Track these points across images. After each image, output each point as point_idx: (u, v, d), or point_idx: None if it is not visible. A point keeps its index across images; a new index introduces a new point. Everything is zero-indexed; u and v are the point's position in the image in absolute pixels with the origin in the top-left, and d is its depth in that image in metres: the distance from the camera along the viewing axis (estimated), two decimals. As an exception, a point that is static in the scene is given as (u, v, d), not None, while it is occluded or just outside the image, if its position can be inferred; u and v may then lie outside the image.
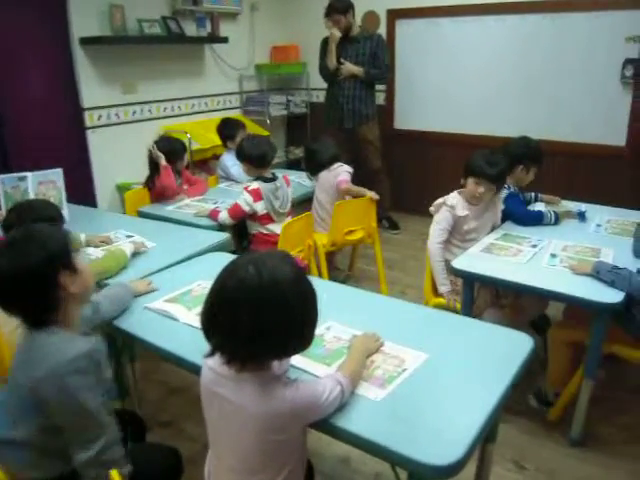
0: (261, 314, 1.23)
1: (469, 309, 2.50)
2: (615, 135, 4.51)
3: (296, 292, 1.27)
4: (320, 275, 3.55)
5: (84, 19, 4.23)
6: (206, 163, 5.00)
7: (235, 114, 5.52)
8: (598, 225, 2.94)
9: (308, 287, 1.32)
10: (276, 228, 3.24)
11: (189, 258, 2.48)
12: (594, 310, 2.18)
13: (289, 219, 3.33)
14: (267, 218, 3.28)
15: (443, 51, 5.17)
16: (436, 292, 2.83)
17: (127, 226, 2.91)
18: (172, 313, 1.95)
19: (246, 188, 3.24)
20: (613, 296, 2.12)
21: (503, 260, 2.47)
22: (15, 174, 2.97)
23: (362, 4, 5.39)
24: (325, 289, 2.21)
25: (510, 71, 4.88)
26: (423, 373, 1.57)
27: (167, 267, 2.37)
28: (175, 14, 4.85)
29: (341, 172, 3.68)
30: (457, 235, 2.84)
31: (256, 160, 3.26)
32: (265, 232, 3.28)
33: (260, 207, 3.22)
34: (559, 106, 4.71)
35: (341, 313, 1.90)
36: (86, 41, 4.25)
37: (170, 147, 3.60)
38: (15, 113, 4.02)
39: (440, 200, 2.85)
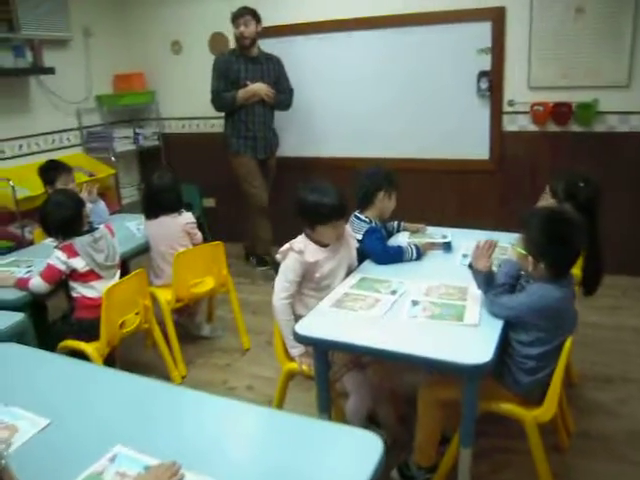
0: None
1: (323, 379, 2.08)
2: (479, 148, 4.36)
3: None
4: (166, 337, 3.05)
5: None
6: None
7: (75, 153, 4.88)
8: (464, 255, 2.63)
9: None
10: (104, 286, 2.69)
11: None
12: (463, 373, 1.83)
13: (117, 275, 2.83)
14: (92, 275, 2.74)
15: (302, 71, 4.74)
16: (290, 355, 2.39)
17: None
18: None
19: (57, 245, 2.73)
20: (483, 355, 1.78)
21: (357, 316, 2.07)
22: None
23: (207, 26, 5.00)
24: (116, 390, 1.63)
25: (372, 90, 4.60)
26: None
27: None
28: (-15, 43, 4.18)
29: (188, 220, 3.27)
30: (310, 284, 2.41)
31: (62, 231, 2.75)
32: (89, 295, 2.72)
33: (79, 263, 2.70)
34: (423, 122, 4.48)
35: (138, 430, 1.43)
36: None
37: None
38: None
39: (286, 246, 2.42)
